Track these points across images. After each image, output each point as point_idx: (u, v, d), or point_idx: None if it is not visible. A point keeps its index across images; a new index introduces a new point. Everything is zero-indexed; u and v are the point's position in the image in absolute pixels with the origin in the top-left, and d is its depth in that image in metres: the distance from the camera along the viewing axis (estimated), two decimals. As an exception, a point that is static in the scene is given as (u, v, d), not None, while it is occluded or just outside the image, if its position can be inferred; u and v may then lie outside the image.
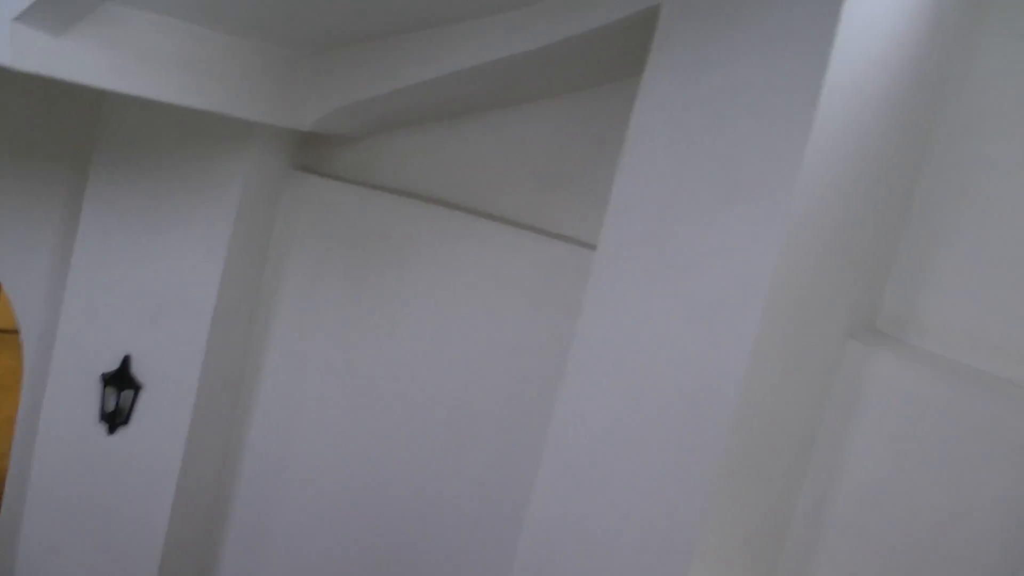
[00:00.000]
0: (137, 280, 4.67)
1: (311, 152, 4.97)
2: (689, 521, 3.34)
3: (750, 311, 3.21)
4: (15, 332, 5.17)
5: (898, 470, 3.32)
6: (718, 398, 3.30)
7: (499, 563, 4.34)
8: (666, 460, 3.45)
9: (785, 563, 3.65)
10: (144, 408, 4.71)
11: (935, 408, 3.24)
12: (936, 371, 3.30)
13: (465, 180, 4.69)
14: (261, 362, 4.95)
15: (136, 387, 4.68)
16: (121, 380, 4.68)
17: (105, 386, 4.71)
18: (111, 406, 4.71)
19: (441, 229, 4.59)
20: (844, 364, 3.49)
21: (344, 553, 4.87)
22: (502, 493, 4.42)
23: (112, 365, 4.70)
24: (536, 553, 3.80)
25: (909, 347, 3.47)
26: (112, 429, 4.76)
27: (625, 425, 3.57)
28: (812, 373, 3.51)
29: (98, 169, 4.68)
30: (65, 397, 4.82)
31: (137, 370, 4.69)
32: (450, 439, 4.56)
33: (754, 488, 3.50)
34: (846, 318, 3.52)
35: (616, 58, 4.13)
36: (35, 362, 5.10)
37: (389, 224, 4.72)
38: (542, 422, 3.90)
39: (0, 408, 8.74)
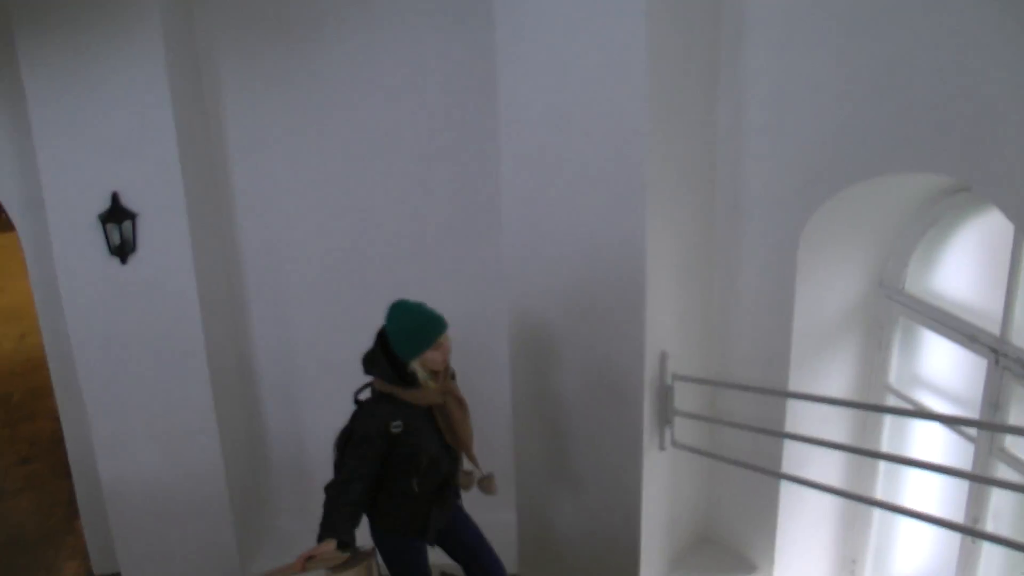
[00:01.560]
0: (96, 121, 4.98)
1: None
2: (633, 161, 4.04)
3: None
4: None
5: (788, 70, 3.97)
6: (629, 55, 3.92)
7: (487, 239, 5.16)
8: (600, 120, 4.11)
9: (721, 178, 4.38)
10: (146, 233, 5.19)
11: (805, 8, 3.86)
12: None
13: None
14: (229, 162, 5.45)
15: (132, 216, 5.16)
16: (117, 214, 5.15)
17: (104, 223, 5.16)
18: (116, 240, 5.19)
19: None
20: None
21: (355, 268, 5.60)
22: (475, 185, 5.19)
23: (104, 204, 5.14)
24: (517, 220, 4.59)
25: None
26: (124, 259, 5.26)
27: (561, 102, 4.22)
28: (702, 14, 4.11)
29: (23, 30, 4.81)
30: (71, 244, 5.19)
31: (128, 202, 5.14)
32: (415, 167, 5.21)
33: (679, 121, 4.17)
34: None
35: None
36: (29, 225, 5.49)
37: (297, 4, 5.11)
38: (493, 122, 4.55)
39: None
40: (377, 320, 5.55)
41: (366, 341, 5.67)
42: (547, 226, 4.50)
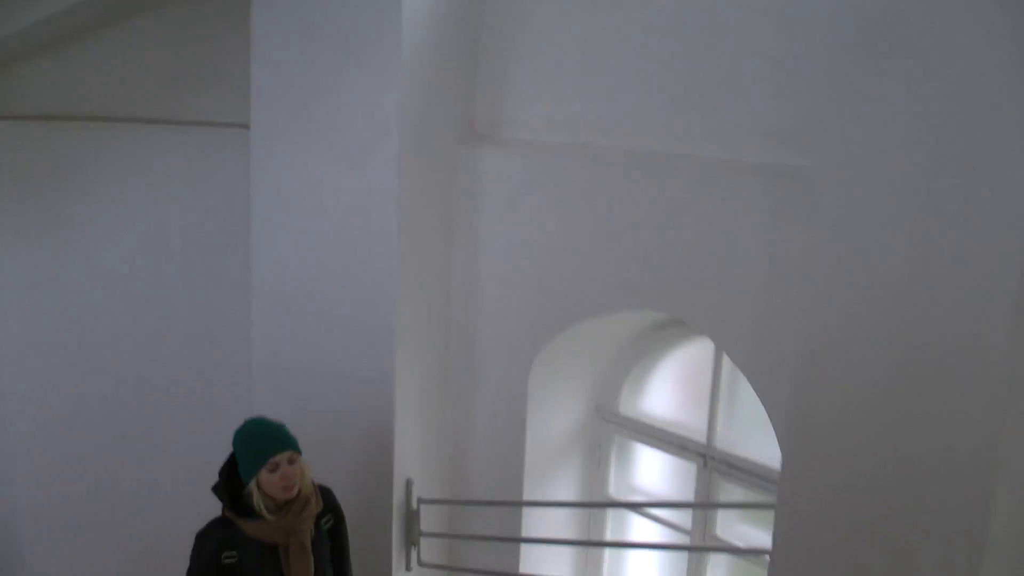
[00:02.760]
0: None
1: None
2: (384, 309, 4.45)
3: (389, 144, 4.29)
4: None
5: (518, 227, 4.56)
6: (381, 215, 4.37)
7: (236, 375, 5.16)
8: (353, 272, 4.50)
9: (456, 320, 4.87)
10: None
11: (533, 177, 4.48)
12: (527, 151, 4.52)
13: (106, 94, 5.17)
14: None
15: None
16: None
17: None
18: None
19: (98, 143, 5.10)
20: (461, 165, 4.66)
21: (87, 420, 5.49)
22: (221, 334, 5.25)
23: None
24: (268, 366, 4.78)
25: (502, 140, 4.66)
26: None
27: (314, 256, 4.56)
28: (442, 179, 4.64)
29: None
30: None
31: None
32: (160, 318, 5.27)
33: (423, 272, 4.64)
34: (455, 131, 4.66)
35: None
36: None
37: (41, 150, 5.12)
38: (241, 275, 4.79)
39: None
40: (104, 473, 5.46)
41: (89, 494, 5.53)
42: (299, 371, 4.75)
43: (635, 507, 4.97)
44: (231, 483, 3.70)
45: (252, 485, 3.63)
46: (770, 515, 3.16)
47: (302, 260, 4.61)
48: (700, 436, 4.53)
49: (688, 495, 4.61)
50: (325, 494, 3.88)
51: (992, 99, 2.42)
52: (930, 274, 2.54)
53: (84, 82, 5.18)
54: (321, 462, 4.76)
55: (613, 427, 4.99)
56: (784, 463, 3.08)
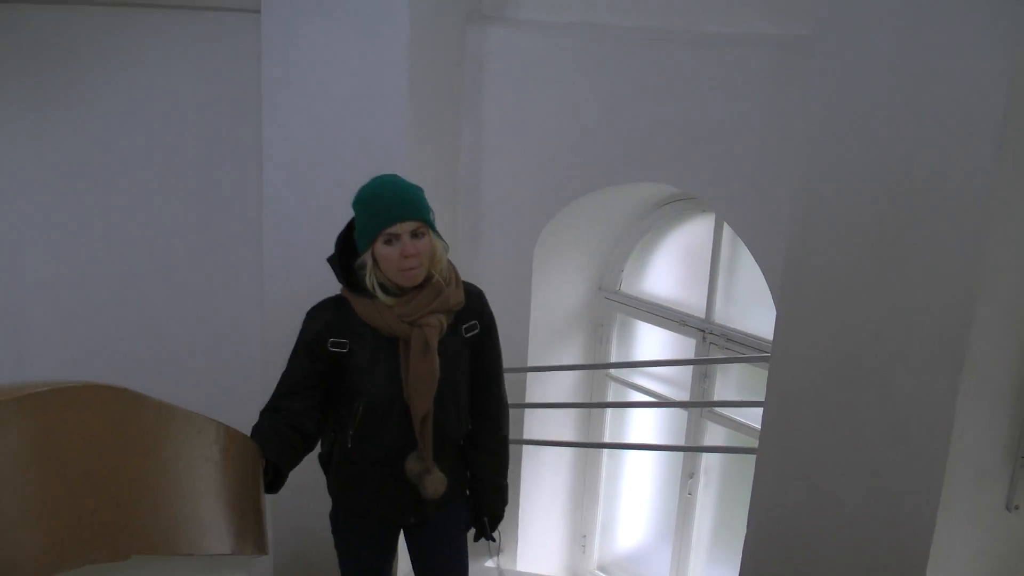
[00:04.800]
0: None
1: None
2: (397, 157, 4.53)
3: (400, 22, 4.35)
4: None
5: (525, 103, 4.64)
6: (391, 92, 4.44)
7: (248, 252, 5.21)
8: (363, 148, 4.57)
9: (463, 193, 4.96)
10: None
11: (538, 54, 4.55)
12: (532, 30, 4.59)
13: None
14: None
15: None
16: None
17: None
18: None
19: (106, 27, 5.08)
20: (469, 45, 4.72)
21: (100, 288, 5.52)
22: (233, 220, 5.29)
23: None
24: (279, 239, 4.87)
25: (510, 20, 4.72)
26: None
27: (325, 134, 4.64)
28: (450, 57, 4.71)
29: None
30: None
31: None
32: (171, 198, 5.31)
33: (431, 146, 4.72)
34: (462, 12, 4.72)
35: None
36: None
37: (45, 34, 5.11)
38: (253, 155, 4.87)
39: None
40: (117, 347, 5.52)
41: (103, 368, 5.58)
42: (309, 244, 4.77)
43: (637, 366, 5.14)
44: (349, 254, 2.97)
45: (366, 256, 2.86)
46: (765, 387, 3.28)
47: (313, 139, 4.67)
48: (699, 312, 4.67)
49: (687, 368, 4.76)
50: (473, 294, 3.08)
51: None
52: (918, 119, 2.64)
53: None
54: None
55: (615, 305, 5.12)
56: (779, 317, 3.18)
